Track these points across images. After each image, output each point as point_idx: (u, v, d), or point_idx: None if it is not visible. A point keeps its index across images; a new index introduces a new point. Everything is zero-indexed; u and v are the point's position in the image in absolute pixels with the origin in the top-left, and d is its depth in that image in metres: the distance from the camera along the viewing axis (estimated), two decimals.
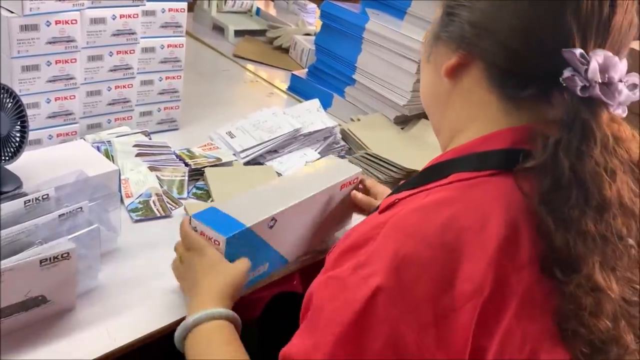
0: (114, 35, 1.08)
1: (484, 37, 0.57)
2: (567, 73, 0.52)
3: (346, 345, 0.51)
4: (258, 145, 1.20)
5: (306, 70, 1.63)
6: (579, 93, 0.51)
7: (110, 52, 1.09)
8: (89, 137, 1.09)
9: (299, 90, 1.59)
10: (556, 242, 0.51)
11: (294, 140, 1.26)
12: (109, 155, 1.06)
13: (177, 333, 0.70)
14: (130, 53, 1.11)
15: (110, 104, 1.14)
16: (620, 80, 0.52)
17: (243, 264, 0.77)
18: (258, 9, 2.01)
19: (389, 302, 0.51)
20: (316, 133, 1.29)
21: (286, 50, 1.83)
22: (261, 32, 1.90)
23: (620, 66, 0.52)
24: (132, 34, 1.10)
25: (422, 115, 1.45)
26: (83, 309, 0.79)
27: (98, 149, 1.06)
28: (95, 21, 1.04)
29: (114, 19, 1.06)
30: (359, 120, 1.40)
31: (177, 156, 1.13)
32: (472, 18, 0.58)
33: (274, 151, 1.23)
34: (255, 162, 1.20)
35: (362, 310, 0.51)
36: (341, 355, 0.51)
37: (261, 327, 1.08)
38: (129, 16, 1.08)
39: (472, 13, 0.58)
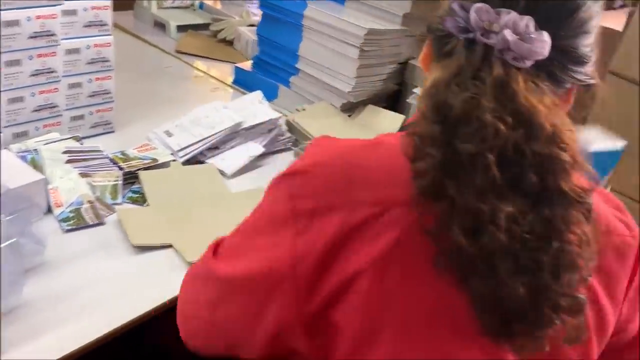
0: (32, 37, 1.02)
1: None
2: (448, 18, 0.57)
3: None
4: (197, 142, 1.16)
5: (251, 62, 1.59)
6: (459, 35, 0.56)
7: (30, 55, 1.03)
8: (14, 147, 1.04)
9: (244, 83, 1.55)
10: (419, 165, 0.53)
11: (236, 135, 1.22)
12: (36, 165, 1.01)
13: None
14: (51, 55, 1.06)
15: (35, 111, 1.08)
16: (517, 33, 0.54)
17: None
18: (201, 3, 1.95)
19: (284, 184, 0.60)
20: (259, 126, 1.25)
21: (231, 43, 1.78)
22: (205, 26, 1.84)
23: (521, 23, 0.54)
24: (52, 35, 1.04)
25: (368, 102, 1.42)
26: (7, 328, 0.74)
27: (24, 158, 1.01)
28: (8, 24, 0.98)
29: (29, 20, 1.00)
30: (304, 110, 1.37)
31: (111, 160, 1.08)
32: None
33: (214, 148, 1.19)
34: (195, 160, 1.16)
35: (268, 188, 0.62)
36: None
37: None
38: (46, 17, 1.02)
39: None
